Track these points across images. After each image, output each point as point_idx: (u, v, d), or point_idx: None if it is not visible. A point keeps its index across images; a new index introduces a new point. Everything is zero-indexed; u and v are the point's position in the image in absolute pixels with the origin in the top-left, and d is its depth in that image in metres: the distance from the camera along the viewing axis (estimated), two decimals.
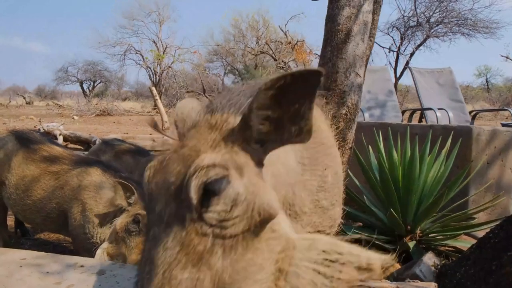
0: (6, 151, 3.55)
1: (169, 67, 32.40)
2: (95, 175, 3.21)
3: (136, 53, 34.84)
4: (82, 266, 2.73)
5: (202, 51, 35.11)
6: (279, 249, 0.91)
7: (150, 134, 13.31)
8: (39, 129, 11.65)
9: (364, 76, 2.79)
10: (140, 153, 4.29)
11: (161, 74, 33.29)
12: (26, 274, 2.55)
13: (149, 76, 34.86)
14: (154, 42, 34.62)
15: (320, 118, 1.46)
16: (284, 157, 1.07)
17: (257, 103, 0.82)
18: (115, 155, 4.18)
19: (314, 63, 29.07)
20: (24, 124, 16.43)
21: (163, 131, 1.14)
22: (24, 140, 3.57)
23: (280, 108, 0.82)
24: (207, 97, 28.20)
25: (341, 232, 3.02)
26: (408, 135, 3.29)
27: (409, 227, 3.12)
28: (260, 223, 0.87)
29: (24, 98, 37.47)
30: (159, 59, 32.54)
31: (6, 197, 3.45)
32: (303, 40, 28.20)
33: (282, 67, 30.12)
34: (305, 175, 1.19)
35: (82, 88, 41.07)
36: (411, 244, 2.97)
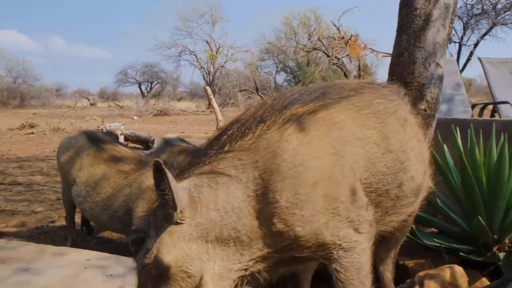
0: (78, 150, 3.67)
1: (222, 66, 32.79)
2: None
3: (190, 54, 35.68)
4: None
5: (254, 50, 35.19)
6: None
7: (206, 133, 13.49)
8: (102, 129, 12.22)
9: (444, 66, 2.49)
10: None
11: (215, 74, 33.80)
12: (91, 276, 2.55)
13: (203, 76, 35.57)
14: (207, 43, 35.25)
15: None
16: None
17: None
18: (174, 154, 4.16)
19: (368, 58, 28.06)
20: (89, 124, 17.37)
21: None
22: (95, 140, 3.68)
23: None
24: (260, 96, 28.22)
25: (415, 239, 2.74)
26: (494, 132, 2.92)
27: (495, 236, 2.76)
28: None
29: (89, 100, 39.78)
30: (212, 59, 33.06)
31: (76, 195, 3.55)
32: (357, 35, 27.29)
33: (335, 63, 29.35)
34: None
35: (141, 89, 42.89)
36: (501, 255, 2.62)
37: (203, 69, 35.16)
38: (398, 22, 2.43)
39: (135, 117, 22.13)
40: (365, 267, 1.57)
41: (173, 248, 1.38)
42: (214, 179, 1.46)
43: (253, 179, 1.44)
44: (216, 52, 33.77)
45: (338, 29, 28.62)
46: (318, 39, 31.40)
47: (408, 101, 2.15)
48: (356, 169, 1.57)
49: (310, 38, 33.52)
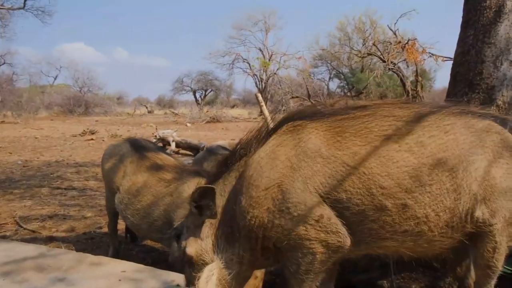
0: (122, 157, 3.67)
1: (275, 73, 32.76)
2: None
3: (244, 61, 36.10)
4: (178, 285, 2.55)
5: (307, 56, 34.87)
6: None
7: None
8: (156, 135, 12.56)
9: None
10: None
11: (267, 81, 33.85)
12: None
13: (255, 83, 35.77)
14: (260, 50, 35.48)
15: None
16: None
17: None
18: (216, 163, 4.04)
19: (427, 63, 26.72)
20: (145, 131, 18.00)
21: None
22: (138, 148, 3.66)
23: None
24: (312, 102, 27.79)
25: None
26: None
27: None
28: None
29: (146, 107, 41.52)
30: (265, 66, 33.15)
31: (119, 202, 3.53)
32: (415, 39, 26.05)
33: (391, 69, 28.20)
34: None
35: (195, 96, 44.02)
36: None
37: (255, 77, 35.39)
38: (463, 16, 2.11)
39: (188, 124, 22.63)
40: None
41: (195, 243, 1.96)
42: (224, 188, 1.97)
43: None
44: (269, 59, 33.85)
45: (395, 33, 27.47)
46: (373, 44, 30.30)
47: None
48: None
49: (365, 43, 32.59)
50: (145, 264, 3.10)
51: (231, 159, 2.02)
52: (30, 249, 3.13)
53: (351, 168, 1.71)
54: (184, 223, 2.02)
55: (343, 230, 1.75)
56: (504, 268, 2.34)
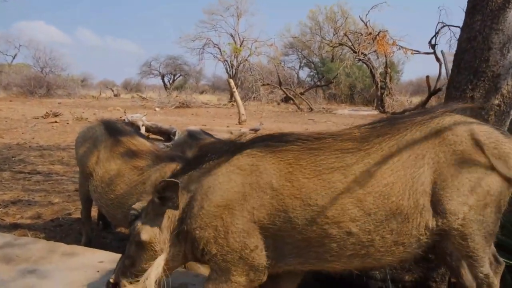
0: (95, 141, 3.41)
1: (246, 60, 32.45)
2: None
3: (214, 46, 35.46)
4: None
5: (278, 44, 34.62)
6: None
7: (227, 127, 13.22)
8: (124, 119, 12.10)
9: None
10: None
11: (238, 67, 33.51)
12: (103, 282, 2.27)
13: (226, 69, 35.33)
14: (232, 36, 34.95)
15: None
16: None
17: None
18: (198, 149, 3.86)
19: (395, 55, 27.25)
20: (111, 114, 17.34)
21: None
22: (113, 131, 3.41)
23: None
24: (283, 90, 27.79)
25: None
26: None
27: None
28: None
29: (112, 90, 40.10)
30: (236, 52, 32.75)
31: (92, 190, 3.30)
32: (386, 31, 26.46)
33: (361, 60, 28.52)
34: None
35: (163, 81, 43.04)
36: None
37: (226, 63, 34.92)
38: (469, 2, 2.05)
39: (157, 109, 22.06)
40: None
41: (151, 231, 1.97)
42: (186, 187, 1.97)
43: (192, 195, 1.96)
44: (240, 45, 33.43)
45: (366, 25, 27.82)
46: (345, 34, 30.66)
47: None
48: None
49: (336, 33, 32.79)
50: (121, 253, 2.92)
51: (201, 159, 2.03)
52: None
53: (297, 200, 1.77)
54: (145, 208, 2.04)
55: (266, 264, 1.86)
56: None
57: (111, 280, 2.01)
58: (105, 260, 2.58)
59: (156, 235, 1.96)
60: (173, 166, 3.00)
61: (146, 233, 1.97)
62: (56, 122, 14.16)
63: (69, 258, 2.58)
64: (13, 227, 4.06)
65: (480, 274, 1.86)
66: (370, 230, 1.74)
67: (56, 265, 2.46)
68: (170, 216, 1.97)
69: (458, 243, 1.80)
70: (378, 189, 1.74)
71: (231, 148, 1.98)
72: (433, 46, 16.50)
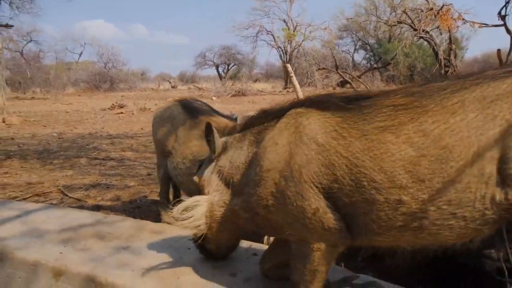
0: (173, 120, 3.39)
1: (300, 45, 31.89)
2: None
3: (268, 33, 35.21)
4: (255, 254, 2.28)
5: (332, 27, 33.56)
6: None
7: None
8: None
9: None
10: None
11: (292, 53, 33.06)
12: (196, 260, 2.19)
13: (280, 56, 35.02)
14: (285, 22, 34.47)
15: None
16: None
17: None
18: None
19: (460, 30, 25.41)
20: None
21: None
22: (191, 109, 3.37)
23: None
24: (340, 74, 26.99)
25: None
26: None
27: None
28: None
29: (170, 82, 41.39)
30: (290, 38, 32.28)
31: (172, 167, 3.29)
32: (451, 4, 24.67)
33: (422, 37, 26.86)
34: None
35: (218, 71, 43.64)
36: None
37: (280, 49, 34.58)
38: None
39: (214, 98, 22.34)
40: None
41: (201, 174, 2.06)
42: (240, 142, 1.97)
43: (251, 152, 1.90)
44: (294, 31, 32.88)
45: (427, 0, 26.11)
46: (404, 12, 28.98)
47: None
48: None
49: (393, 11, 31.16)
50: None
51: (259, 120, 1.95)
52: (86, 216, 2.92)
53: (344, 158, 1.61)
54: (206, 157, 2.13)
55: (340, 225, 1.66)
56: None
57: None
58: None
59: (206, 178, 1.99)
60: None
61: (198, 174, 2.07)
62: (121, 113, 14.79)
63: (158, 235, 2.55)
64: (95, 208, 4.19)
65: None
66: (423, 199, 1.50)
67: (147, 242, 2.43)
68: (220, 164, 1.97)
69: None
70: (434, 152, 1.48)
71: (280, 110, 1.87)
72: (503, 17, 15.02)
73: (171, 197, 4.17)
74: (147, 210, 4.28)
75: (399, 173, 1.51)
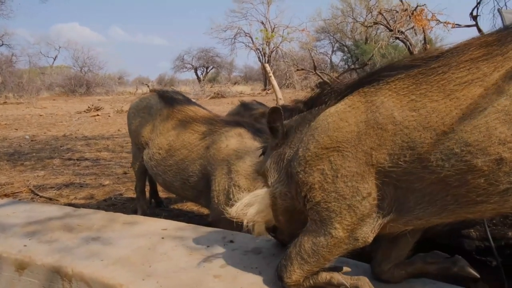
0: (150, 110, 3.31)
1: (278, 47, 32.04)
2: (246, 136, 2.74)
3: (246, 35, 35.24)
4: (231, 241, 2.20)
5: (310, 29, 33.87)
6: None
7: None
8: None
9: None
10: None
11: (270, 55, 33.16)
12: (170, 248, 2.10)
13: (258, 58, 35.07)
14: (263, 23, 34.58)
15: None
16: None
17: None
18: (254, 119, 3.67)
19: (433, 31, 26.01)
20: None
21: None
22: (168, 99, 3.30)
23: None
24: (318, 75, 27.17)
25: None
26: None
27: None
28: None
29: (148, 86, 40.76)
30: (268, 39, 32.38)
31: (148, 158, 3.19)
32: (424, 5, 25.22)
33: (398, 38, 27.35)
34: None
35: (197, 74, 43.36)
36: None
37: (258, 51, 34.63)
38: None
39: (193, 100, 22.17)
40: None
41: (263, 164, 1.92)
42: (300, 126, 1.81)
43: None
44: (272, 32, 33.01)
45: (401, 1, 26.63)
46: (379, 13, 29.51)
47: None
48: None
49: (369, 13, 31.67)
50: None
51: (314, 101, 1.82)
52: (54, 210, 2.78)
53: (427, 131, 1.43)
54: (267, 143, 1.98)
55: (375, 218, 1.57)
56: None
57: None
58: (169, 227, 2.42)
59: (268, 168, 1.84)
60: (238, 130, 2.83)
61: (259, 164, 1.95)
62: (98, 115, 14.47)
63: (131, 226, 2.44)
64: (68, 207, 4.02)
65: None
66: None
67: (119, 233, 2.32)
68: (281, 152, 1.81)
69: None
70: None
71: (341, 89, 1.72)
72: (475, 18, 15.39)
73: (147, 193, 4.07)
74: (122, 208, 4.15)
75: (495, 127, 1.35)
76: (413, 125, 1.45)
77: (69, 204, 4.14)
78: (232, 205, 2.57)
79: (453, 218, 1.55)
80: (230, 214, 1.84)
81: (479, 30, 15.22)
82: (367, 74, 1.72)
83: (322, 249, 1.62)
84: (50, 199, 4.36)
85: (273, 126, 1.81)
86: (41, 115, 14.97)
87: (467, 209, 1.46)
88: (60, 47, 42.98)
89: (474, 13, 14.53)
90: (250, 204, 1.85)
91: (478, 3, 14.79)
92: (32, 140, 8.93)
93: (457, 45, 1.53)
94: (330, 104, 1.70)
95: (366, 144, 1.52)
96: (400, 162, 1.47)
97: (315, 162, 1.61)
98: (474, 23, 15.26)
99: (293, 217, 1.81)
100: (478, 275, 1.67)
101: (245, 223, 1.87)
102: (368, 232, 1.58)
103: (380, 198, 1.53)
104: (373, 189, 1.53)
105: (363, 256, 2.44)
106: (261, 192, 1.86)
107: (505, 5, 13.55)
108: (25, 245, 2.14)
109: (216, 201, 2.72)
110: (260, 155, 2.03)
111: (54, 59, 43.23)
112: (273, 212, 1.83)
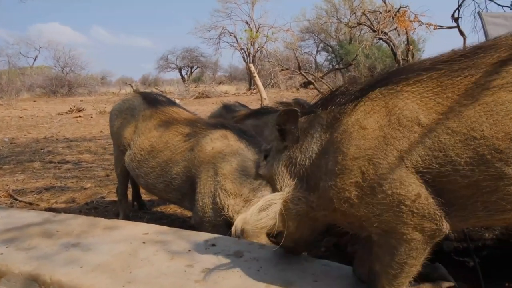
0: (133, 111, 3.28)
1: (262, 47, 32.06)
2: (231, 138, 2.73)
3: (230, 35, 35.15)
4: (213, 245, 2.19)
5: (294, 29, 34.01)
6: None
7: None
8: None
9: None
10: (261, 114, 3.73)
11: (255, 55, 33.16)
12: (152, 253, 2.08)
13: (243, 58, 35.01)
14: (247, 23, 34.52)
15: None
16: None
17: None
18: (236, 121, 3.66)
19: (416, 32, 26.41)
20: None
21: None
22: (152, 101, 3.28)
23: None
24: (303, 75, 27.30)
25: None
26: None
27: None
28: None
29: (132, 86, 40.31)
30: (252, 39, 32.37)
31: (130, 159, 3.16)
32: (407, 6, 25.56)
33: (381, 38, 27.69)
34: None
35: (181, 74, 43.00)
36: None
37: (243, 51, 34.58)
38: None
39: (177, 100, 21.99)
40: None
41: (270, 167, 1.86)
42: (310, 129, 1.74)
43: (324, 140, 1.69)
44: (256, 32, 33.02)
45: (384, 2, 26.95)
46: (363, 13, 29.82)
47: None
48: None
49: (353, 14, 31.98)
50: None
51: (330, 102, 1.74)
52: (33, 215, 2.73)
53: (457, 134, 1.40)
54: (272, 145, 1.91)
55: (440, 212, 1.48)
56: None
57: None
58: (150, 231, 2.41)
59: (276, 171, 1.78)
60: (223, 132, 2.82)
61: (265, 167, 1.88)
62: (80, 116, 14.25)
63: (112, 231, 2.42)
64: (48, 211, 3.95)
65: None
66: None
67: (100, 238, 2.29)
68: (291, 156, 1.75)
69: None
70: None
71: (357, 91, 1.66)
72: (456, 20, 15.67)
73: (130, 195, 4.03)
74: (105, 211, 4.09)
75: None
76: (441, 128, 1.42)
77: (50, 209, 4.07)
78: (218, 208, 2.56)
79: (479, 224, 1.54)
80: (245, 220, 1.76)
81: (461, 32, 15.51)
82: (381, 76, 1.67)
83: (405, 256, 1.54)
84: (30, 203, 4.28)
85: (284, 129, 1.73)
86: (21, 117, 14.66)
87: (494, 216, 1.45)
88: (40, 47, 42.07)
89: (456, 15, 14.82)
90: (262, 209, 1.77)
91: (460, 6, 15.08)
92: (11, 143, 8.74)
93: (481, 44, 1.50)
94: (346, 109, 1.63)
95: (395, 147, 1.48)
96: (432, 165, 1.44)
97: (347, 175, 1.53)
98: (455, 24, 15.56)
99: (303, 223, 1.78)
100: (454, 283, 1.72)
101: (262, 229, 1.81)
102: (439, 226, 1.50)
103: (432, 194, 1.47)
104: (420, 189, 1.46)
105: (345, 258, 2.47)
106: (273, 197, 1.78)
107: (486, 7, 13.82)
108: (1, 253, 2.10)
109: (201, 204, 2.70)
110: (264, 158, 1.95)
111: (35, 60, 42.34)
112: (282, 217, 1.76)
